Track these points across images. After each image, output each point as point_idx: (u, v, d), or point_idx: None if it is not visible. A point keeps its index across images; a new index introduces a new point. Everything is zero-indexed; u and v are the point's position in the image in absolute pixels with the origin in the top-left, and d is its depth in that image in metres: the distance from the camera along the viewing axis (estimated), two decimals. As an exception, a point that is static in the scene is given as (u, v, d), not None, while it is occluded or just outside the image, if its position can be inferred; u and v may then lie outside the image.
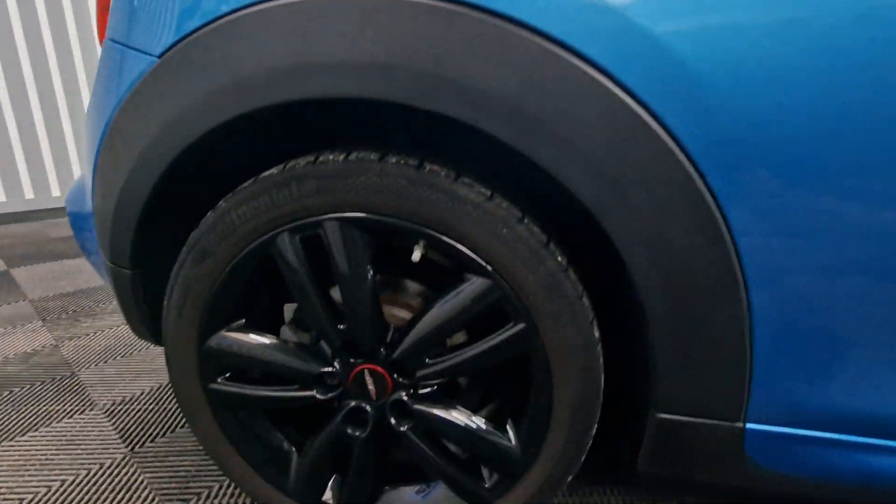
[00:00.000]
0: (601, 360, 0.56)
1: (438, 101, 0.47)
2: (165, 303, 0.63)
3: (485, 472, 0.66)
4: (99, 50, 0.66)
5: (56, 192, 3.33)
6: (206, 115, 0.52)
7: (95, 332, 1.45)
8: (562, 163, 0.47)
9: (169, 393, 1.13)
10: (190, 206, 0.66)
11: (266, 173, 0.55)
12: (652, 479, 0.62)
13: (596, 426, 0.60)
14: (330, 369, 0.62)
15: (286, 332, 0.73)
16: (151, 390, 1.14)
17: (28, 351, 1.34)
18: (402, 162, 0.52)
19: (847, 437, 0.52)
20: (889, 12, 0.40)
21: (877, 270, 0.46)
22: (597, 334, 0.55)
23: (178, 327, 0.63)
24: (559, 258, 0.53)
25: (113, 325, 1.51)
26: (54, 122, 3.23)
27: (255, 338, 0.64)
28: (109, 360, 1.28)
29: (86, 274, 2.01)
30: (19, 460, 0.91)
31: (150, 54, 0.55)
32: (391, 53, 0.46)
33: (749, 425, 0.54)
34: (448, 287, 0.57)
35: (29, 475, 0.87)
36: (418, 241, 0.56)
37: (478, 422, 0.62)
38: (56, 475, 0.87)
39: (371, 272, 0.57)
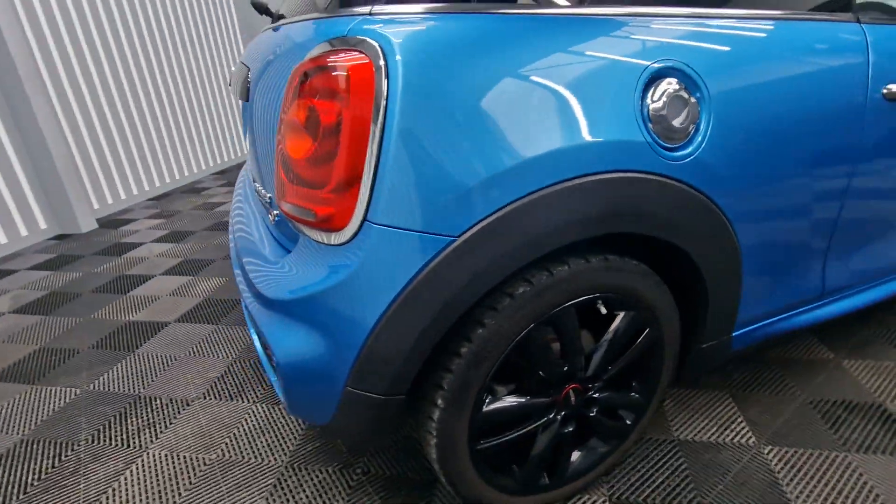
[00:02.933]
0: (679, 329, 1.03)
1: (640, 228, 0.82)
2: (443, 406, 0.81)
3: (625, 416, 1.08)
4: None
5: None
6: (505, 267, 0.74)
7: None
8: (681, 238, 0.88)
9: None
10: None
11: (520, 290, 0.80)
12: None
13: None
14: (551, 398, 0.93)
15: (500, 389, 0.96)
16: None
17: None
18: (605, 258, 0.85)
19: (772, 319, 1.14)
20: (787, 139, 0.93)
21: (793, 239, 1.03)
22: (678, 317, 1.02)
23: (453, 418, 0.83)
24: (667, 289, 0.96)
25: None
26: None
27: (511, 399, 0.89)
28: None
29: None
30: None
31: (449, 235, 0.71)
32: (616, 206, 0.79)
33: (734, 333, 1.11)
34: (610, 323, 0.93)
35: None
36: (600, 300, 0.90)
37: (623, 392, 1.03)
38: None
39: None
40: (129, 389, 1.52)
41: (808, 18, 0.95)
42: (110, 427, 1.37)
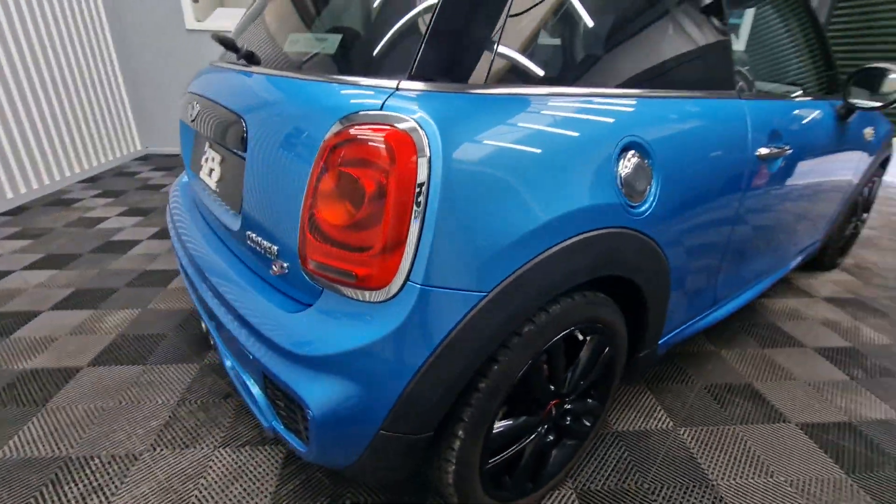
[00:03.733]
0: (626, 339, 1.25)
1: (614, 270, 1.00)
2: (463, 436, 0.91)
3: (586, 420, 1.27)
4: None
5: None
6: (524, 313, 0.86)
7: None
8: (638, 276, 1.09)
9: None
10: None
11: (526, 329, 0.93)
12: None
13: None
14: (540, 415, 1.08)
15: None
16: None
17: None
18: (583, 294, 1.02)
19: (684, 326, 1.43)
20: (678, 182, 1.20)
21: (701, 263, 1.32)
22: (626, 334, 1.24)
23: (471, 445, 0.93)
24: (620, 313, 1.16)
25: None
26: None
27: (512, 422, 1.02)
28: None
29: None
30: None
31: (481, 291, 0.81)
32: (604, 255, 0.96)
33: (660, 342, 1.37)
34: (580, 346, 1.12)
35: None
36: (577, 329, 1.07)
37: (586, 401, 1.23)
38: None
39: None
40: (52, 451, 1.34)
41: (705, 96, 1.23)
42: (45, 499, 1.21)
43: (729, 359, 1.85)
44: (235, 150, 1.03)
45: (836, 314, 2.23)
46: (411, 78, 0.82)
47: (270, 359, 0.90)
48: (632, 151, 1.00)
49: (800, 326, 2.11)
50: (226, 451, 1.36)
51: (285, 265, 0.93)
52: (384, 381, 0.82)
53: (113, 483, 1.25)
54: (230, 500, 1.22)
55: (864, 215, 2.69)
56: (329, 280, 0.84)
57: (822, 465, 1.37)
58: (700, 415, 1.55)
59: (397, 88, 0.81)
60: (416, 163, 0.75)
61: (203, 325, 1.33)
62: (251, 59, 1.14)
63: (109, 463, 1.31)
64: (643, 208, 1.03)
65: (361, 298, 0.82)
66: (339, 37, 0.95)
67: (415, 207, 0.76)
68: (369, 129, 0.77)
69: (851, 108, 1.82)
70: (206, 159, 1.27)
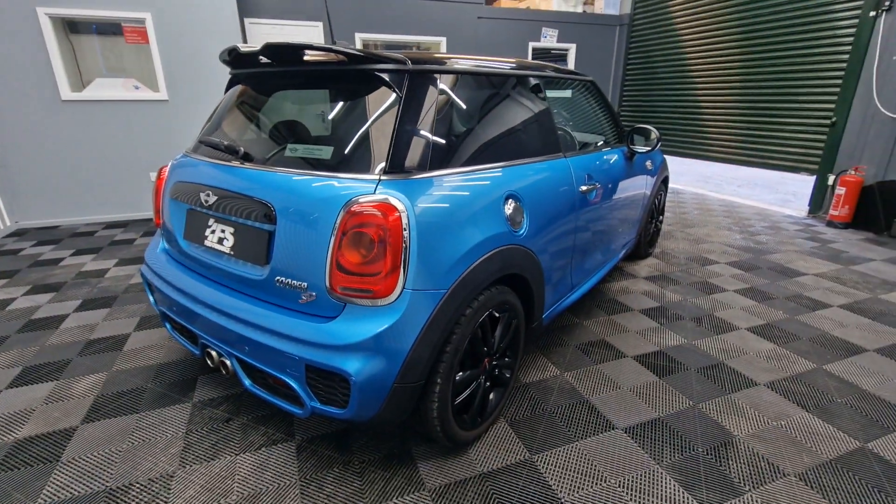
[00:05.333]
0: (523, 315, 1.94)
1: (511, 270, 1.68)
2: (440, 382, 1.49)
3: (506, 373, 1.92)
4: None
5: None
6: (467, 301, 1.49)
7: None
8: (525, 272, 1.79)
9: None
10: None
11: (468, 311, 1.55)
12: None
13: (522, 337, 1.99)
14: (480, 368, 1.70)
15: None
16: None
17: None
18: (496, 287, 1.68)
19: (555, 305, 2.18)
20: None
21: (559, 261, 2.07)
22: (523, 312, 1.92)
23: (445, 388, 1.52)
24: (517, 298, 1.85)
25: None
26: None
27: (465, 372, 1.62)
28: None
29: None
30: None
31: (443, 289, 1.41)
32: (505, 262, 1.63)
33: (543, 316, 2.10)
34: (499, 321, 1.77)
35: None
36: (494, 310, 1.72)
37: (505, 359, 1.88)
38: None
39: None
40: (91, 489, 1.59)
41: (547, 159, 2.01)
42: (107, 518, 1.48)
43: (588, 325, 2.68)
44: (260, 225, 1.51)
45: (651, 286, 3.24)
46: (386, 172, 1.42)
47: (314, 354, 1.39)
48: (511, 199, 1.70)
49: (629, 298, 3.06)
50: (246, 455, 1.74)
51: (313, 294, 1.44)
52: (395, 351, 1.38)
53: (161, 495, 1.57)
54: (265, 483, 1.62)
55: (661, 217, 3.86)
56: (352, 297, 1.37)
57: (643, 375, 2.20)
58: (576, 363, 2.31)
59: (379, 180, 1.40)
60: (401, 220, 1.35)
61: (212, 359, 1.71)
62: (234, 152, 1.63)
63: (149, 483, 1.61)
64: (521, 232, 1.74)
65: (374, 305, 1.37)
66: (331, 148, 1.51)
67: (403, 245, 1.35)
68: (370, 205, 1.35)
69: (634, 152, 2.83)
70: (212, 231, 1.70)
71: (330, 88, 1.65)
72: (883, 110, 4.32)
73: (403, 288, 1.37)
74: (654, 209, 3.62)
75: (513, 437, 1.81)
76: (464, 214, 1.51)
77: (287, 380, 1.48)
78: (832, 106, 4.76)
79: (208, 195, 1.65)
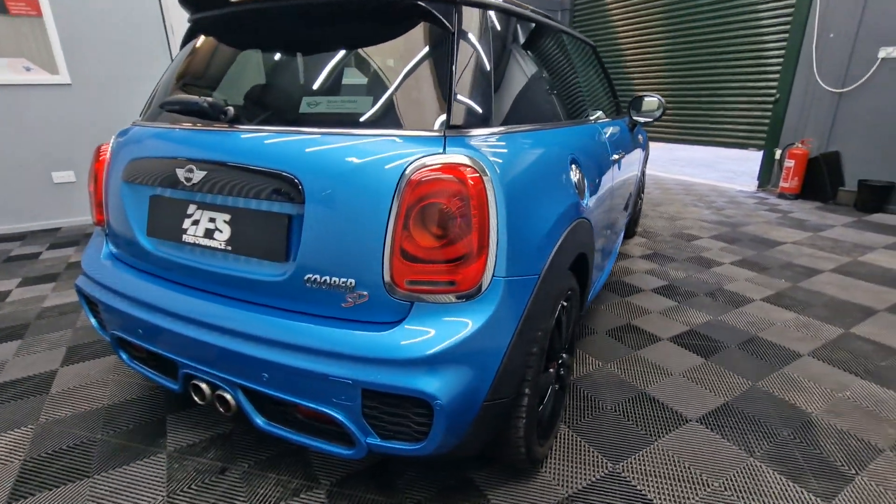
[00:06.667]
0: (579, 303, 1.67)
1: (581, 249, 1.40)
2: (529, 393, 1.18)
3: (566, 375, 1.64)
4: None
5: None
6: (560, 285, 1.18)
7: None
8: (588, 252, 1.52)
9: None
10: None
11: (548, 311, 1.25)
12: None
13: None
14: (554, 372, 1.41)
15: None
16: None
17: None
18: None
19: (592, 289, 1.93)
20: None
21: (601, 235, 1.83)
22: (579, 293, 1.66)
23: (532, 400, 1.20)
24: (577, 281, 1.58)
25: None
26: None
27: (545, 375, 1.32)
28: None
29: None
30: None
31: (537, 274, 1.09)
32: (578, 242, 1.34)
33: (587, 302, 1.84)
34: (563, 312, 1.49)
35: None
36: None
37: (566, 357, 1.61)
38: None
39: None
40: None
41: (588, 122, 1.75)
42: None
43: (606, 310, 2.48)
44: (277, 208, 1.10)
45: (651, 265, 3.13)
46: (450, 128, 1.07)
47: (375, 374, 1.01)
48: (574, 164, 1.42)
49: (635, 278, 2.91)
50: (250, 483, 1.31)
51: (364, 294, 1.06)
52: (488, 359, 1.04)
53: None
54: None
55: (642, 195, 3.78)
56: (423, 292, 1.02)
57: (687, 358, 2.02)
58: (613, 352, 2.09)
59: (444, 136, 1.05)
60: (485, 186, 1.01)
61: (201, 394, 1.27)
62: (237, 120, 1.21)
63: None
64: (585, 202, 1.47)
65: (456, 300, 1.02)
66: (368, 99, 1.13)
67: (490, 218, 1.02)
68: (443, 168, 1.00)
69: (635, 122, 2.66)
70: (194, 221, 1.25)
71: (351, 22, 1.26)
72: (823, 85, 4.59)
73: (493, 275, 1.03)
74: (642, 185, 3.52)
75: (584, 446, 1.54)
76: (544, 181, 1.20)
77: (332, 413, 1.09)
78: (775, 83, 5.00)
79: (191, 171, 1.20)
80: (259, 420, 1.22)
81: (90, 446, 1.57)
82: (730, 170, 6.88)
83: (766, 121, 5.14)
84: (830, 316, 2.40)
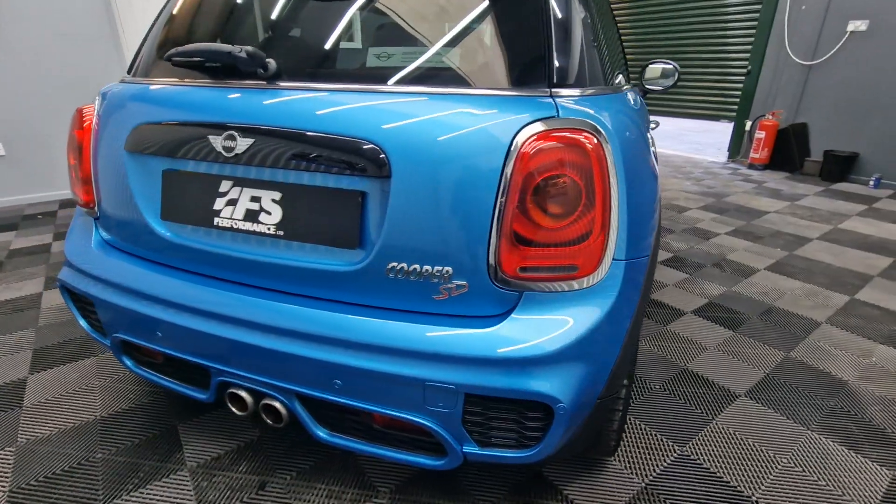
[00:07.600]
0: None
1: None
2: (627, 383, 1.07)
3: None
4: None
5: None
6: (651, 265, 1.06)
7: None
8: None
9: None
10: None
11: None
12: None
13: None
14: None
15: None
16: None
17: None
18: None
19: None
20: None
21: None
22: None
23: (628, 394, 1.10)
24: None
25: None
26: None
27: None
28: None
29: None
30: None
31: (647, 255, 0.97)
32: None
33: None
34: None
35: None
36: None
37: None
38: None
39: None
40: None
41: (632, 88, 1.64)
42: None
43: (627, 285, 2.43)
44: (348, 184, 0.91)
45: (651, 237, 3.12)
46: (555, 86, 0.91)
47: (482, 376, 0.87)
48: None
49: (641, 251, 2.89)
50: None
51: (463, 284, 0.91)
52: (606, 353, 0.92)
53: None
54: None
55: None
56: (538, 280, 0.88)
57: (715, 331, 2.01)
58: (642, 327, 2.04)
59: (552, 95, 0.90)
60: (607, 155, 0.87)
61: (243, 404, 1.09)
62: (275, 77, 0.98)
63: None
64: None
65: (574, 287, 0.89)
66: (455, 51, 0.94)
67: (611, 192, 0.88)
68: (562, 133, 0.84)
69: (647, 90, 2.57)
70: (231, 201, 1.03)
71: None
72: (793, 57, 4.71)
73: (614, 258, 0.90)
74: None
75: (647, 431, 1.47)
76: (646, 147, 1.08)
77: (423, 422, 0.94)
78: (747, 56, 5.09)
79: (232, 139, 0.97)
80: (321, 433, 1.06)
81: (91, 468, 1.33)
82: (696, 141, 7.06)
83: (738, 93, 5.26)
84: (832, 283, 2.47)
